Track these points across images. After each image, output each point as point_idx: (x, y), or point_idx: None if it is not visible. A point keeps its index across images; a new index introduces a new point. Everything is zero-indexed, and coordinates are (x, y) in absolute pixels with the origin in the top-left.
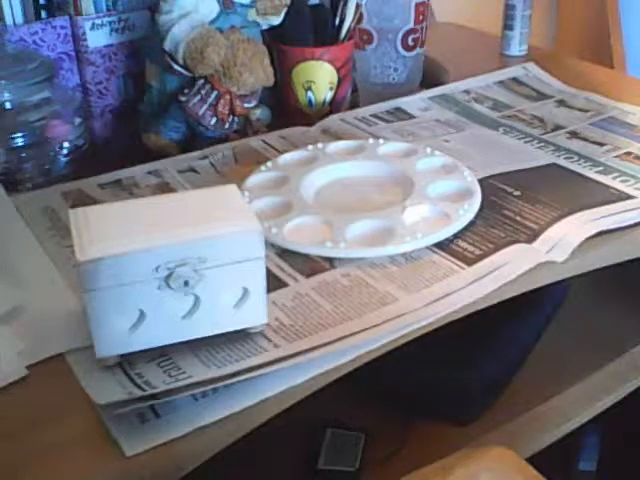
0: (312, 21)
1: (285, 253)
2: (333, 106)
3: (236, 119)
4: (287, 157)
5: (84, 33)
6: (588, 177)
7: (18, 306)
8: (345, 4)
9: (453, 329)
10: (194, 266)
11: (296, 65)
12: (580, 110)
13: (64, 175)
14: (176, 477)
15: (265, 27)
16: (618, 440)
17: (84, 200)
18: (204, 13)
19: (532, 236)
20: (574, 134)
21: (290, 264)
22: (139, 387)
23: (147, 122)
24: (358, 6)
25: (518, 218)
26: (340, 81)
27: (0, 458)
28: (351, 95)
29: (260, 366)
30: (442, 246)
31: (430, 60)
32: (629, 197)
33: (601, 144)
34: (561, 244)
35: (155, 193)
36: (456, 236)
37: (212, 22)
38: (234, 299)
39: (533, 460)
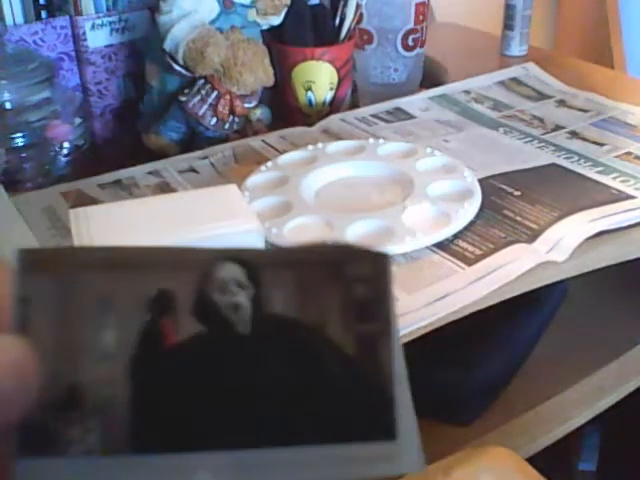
0: (312, 21)
1: None
2: (333, 106)
3: (236, 119)
4: (287, 157)
5: (84, 33)
6: (588, 177)
7: None
8: (345, 4)
9: (453, 329)
10: None
11: (296, 65)
12: (580, 110)
13: (64, 175)
14: None
15: (265, 27)
16: (618, 440)
17: (84, 200)
18: (204, 13)
19: (532, 236)
20: (574, 134)
21: None
22: None
23: (147, 122)
24: (358, 6)
25: (518, 218)
26: (340, 81)
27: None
28: (351, 95)
29: None
30: (442, 246)
31: (430, 60)
32: (629, 197)
33: (601, 144)
34: (561, 244)
35: (155, 193)
36: (456, 236)
37: (212, 22)
38: None
39: (533, 460)
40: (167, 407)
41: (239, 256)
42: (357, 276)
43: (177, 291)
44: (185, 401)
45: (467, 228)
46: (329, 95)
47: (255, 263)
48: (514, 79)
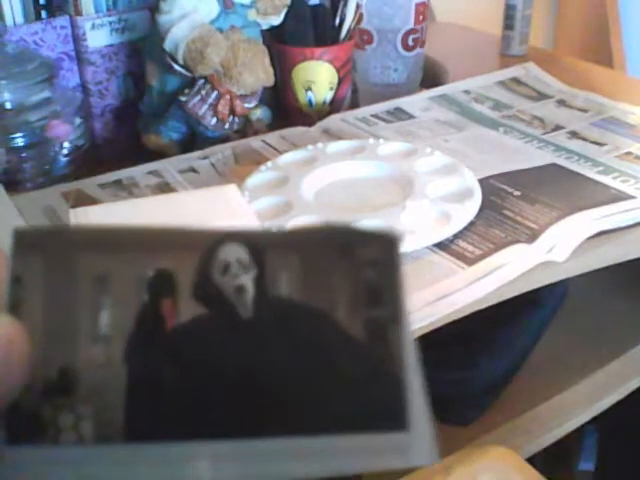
0: (312, 21)
1: None
2: (333, 106)
3: (236, 119)
4: (287, 157)
5: (84, 33)
6: (588, 177)
7: None
8: (345, 4)
9: (453, 329)
10: None
11: (296, 65)
12: (580, 110)
13: (64, 175)
14: None
15: (265, 27)
16: (618, 440)
17: (84, 200)
18: (204, 13)
19: (532, 236)
20: (574, 134)
21: None
22: None
23: (147, 122)
24: (358, 6)
25: (518, 218)
26: (340, 81)
27: None
28: (351, 95)
29: None
30: (442, 246)
31: (430, 60)
32: (629, 197)
33: (601, 144)
34: (561, 244)
35: (155, 193)
36: (456, 236)
37: (212, 22)
38: None
39: (533, 460)
40: (164, 393)
41: (243, 236)
42: (366, 259)
43: (177, 272)
44: (184, 387)
45: (467, 228)
46: (329, 95)
47: (259, 244)
48: (514, 79)
